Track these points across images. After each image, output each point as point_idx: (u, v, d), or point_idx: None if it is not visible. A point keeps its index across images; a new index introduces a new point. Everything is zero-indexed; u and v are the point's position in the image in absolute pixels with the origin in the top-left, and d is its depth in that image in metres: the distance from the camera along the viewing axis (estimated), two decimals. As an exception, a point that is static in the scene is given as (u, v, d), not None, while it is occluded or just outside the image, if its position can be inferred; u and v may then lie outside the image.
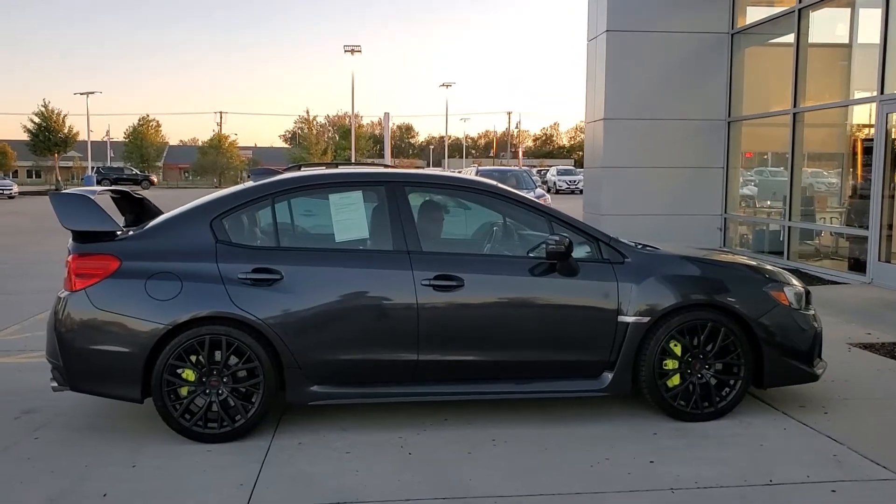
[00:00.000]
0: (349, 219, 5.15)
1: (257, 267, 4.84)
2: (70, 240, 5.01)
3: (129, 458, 4.60)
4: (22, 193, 47.08)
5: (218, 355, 4.80)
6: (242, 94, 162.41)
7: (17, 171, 76.85)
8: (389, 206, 5.15)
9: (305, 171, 5.70)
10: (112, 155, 79.11)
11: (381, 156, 63.44)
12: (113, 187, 5.72)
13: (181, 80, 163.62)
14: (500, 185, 5.75)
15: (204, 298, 4.78)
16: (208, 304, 4.78)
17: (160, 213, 5.88)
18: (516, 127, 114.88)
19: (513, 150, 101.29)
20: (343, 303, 4.90)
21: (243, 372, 4.83)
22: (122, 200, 5.76)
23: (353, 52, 39.72)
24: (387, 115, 44.65)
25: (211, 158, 76.20)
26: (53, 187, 55.18)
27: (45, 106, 57.37)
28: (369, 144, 76.10)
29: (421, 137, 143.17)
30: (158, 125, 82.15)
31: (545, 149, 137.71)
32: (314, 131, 68.84)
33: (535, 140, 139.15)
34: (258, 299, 4.80)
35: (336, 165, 11.48)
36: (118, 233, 4.96)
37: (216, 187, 70.93)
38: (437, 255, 5.11)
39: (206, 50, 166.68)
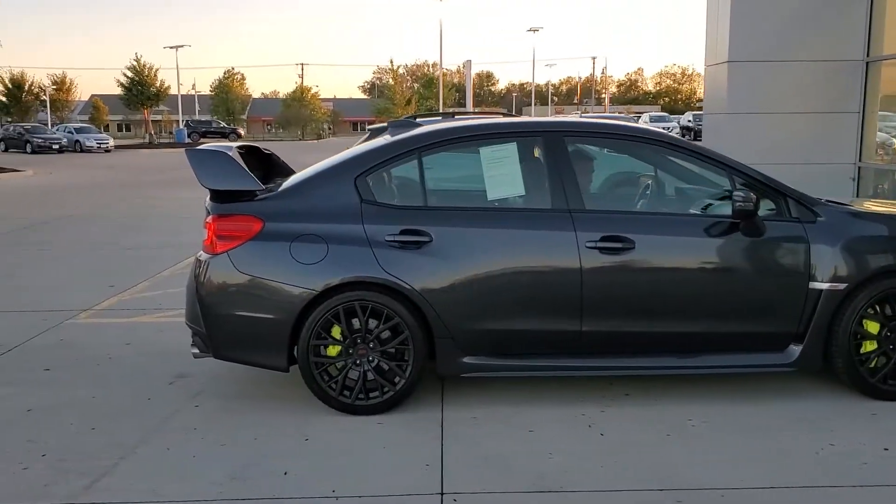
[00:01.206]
0: (502, 174, 4.64)
1: (405, 228, 4.42)
2: (207, 199, 4.69)
3: (299, 431, 4.30)
4: (116, 147, 48.14)
5: (360, 323, 4.44)
6: (320, 46, 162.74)
7: (107, 126, 78.81)
8: (547, 159, 4.64)
9: (451, 123, 5.19)
10: (199, 108, 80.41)
11: (462, 104, 62.68)
12: (242, 143, 5.39)
13: (261, 32, 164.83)
14: (674, 136, 5.17)
15: (351, 262, 4.40)
16: (356, 269, 4.39)
17: (289, 169, 5.52)
18: (602, 72, 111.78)
19: (597, 96, 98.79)
20: (497, 267, 4.44)
21: (392, 341, 4.45)
22: (250, 157, 5.41)
23: (441, -2, 38.74)
24: (468, 62, 43.71)
25: (295, 111, 76.56)
26: (147, 140, 56.33)
27: (138, 60, 58.27)
28: (452, 94, 75.03)
29: (501, 85, 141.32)
30: (243, 78, 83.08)
31: (629, 95, 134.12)
32: (398, 81, 68.03)
33: (619, 86, 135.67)
34: (406, 263, 4.39)
35: (453, 115, 11.03)
36: (257, 192, 4.59)
37: (299, 139, 71.55)
38: (602, 213, 4.59)
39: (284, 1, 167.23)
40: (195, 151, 4.68)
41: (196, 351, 4.69)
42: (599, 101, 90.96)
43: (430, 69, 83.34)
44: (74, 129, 46.86)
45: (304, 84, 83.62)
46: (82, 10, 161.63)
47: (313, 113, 78.50)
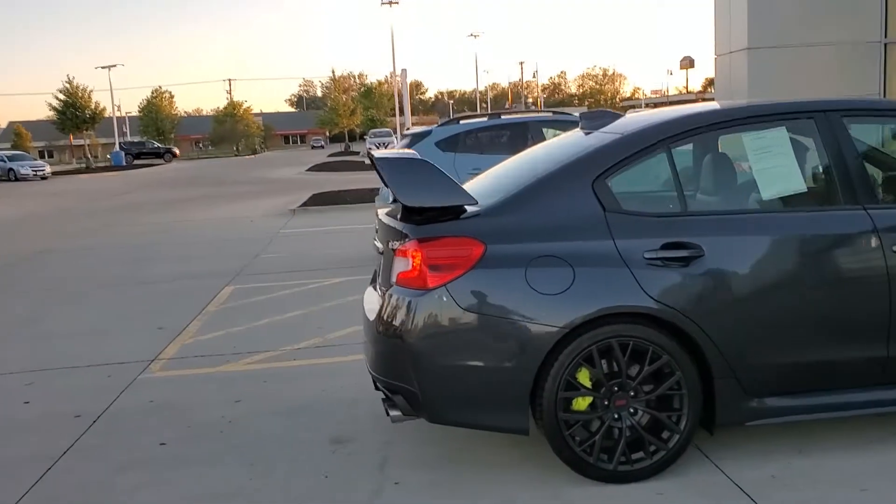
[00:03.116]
0: (775, 166, 3.76)
1: (668, 242, 3.49)
2: (396, 219, 3.73)
3: (561, 509, 3.34)
4: (52, 174, 45.41)
5: (619, 366, 3.50)
6: (244, 61, 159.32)
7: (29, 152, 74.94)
8: (826, 144, 3.77)
9: (698, 108, 4.25)
10: (125, 130, 77.31)
11: (394, 113, 61.45)
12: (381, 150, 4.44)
13: (183, 49, 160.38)
14: None
15: (607, 289, 3.46)
16: (614, 297, 3.45)
17: None
18: (534, 76, 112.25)
19: (528, 100, 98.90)
20: (786, 283, 3.57)
21: (659, 386, 3.51)
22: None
23: (391, 3, 37.77)
24: (404, 71, 42.82)
25: (229, 127, 74.29)
26: (84, 165, 53.22)
27: (70, 82, 55.12)
28: (388, 103, 73.75)
29: (430, 93, 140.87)
30: (171, 97, 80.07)
31: (555, 98, 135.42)
32: (341, 90, 66.58)
33: (543, 90, 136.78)
34: (674, 286, 3.47)
35: (499, 115, 10.13)
36: (466, 208, 3.62)
37: (235, 155, 69.38)
38: None
39: (205, 20, 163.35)
40: (389, 161, 3.70)
41: (397, 413, 3.66)
42: (534, 104, 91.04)
43: (357, 80, 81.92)
44: (7, 156, 43.96)
45: (235, 99, 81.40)
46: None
47: (247, 128, 76.40)
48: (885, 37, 13.54)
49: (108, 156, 61.13)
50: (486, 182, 4.10)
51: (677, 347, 3.47)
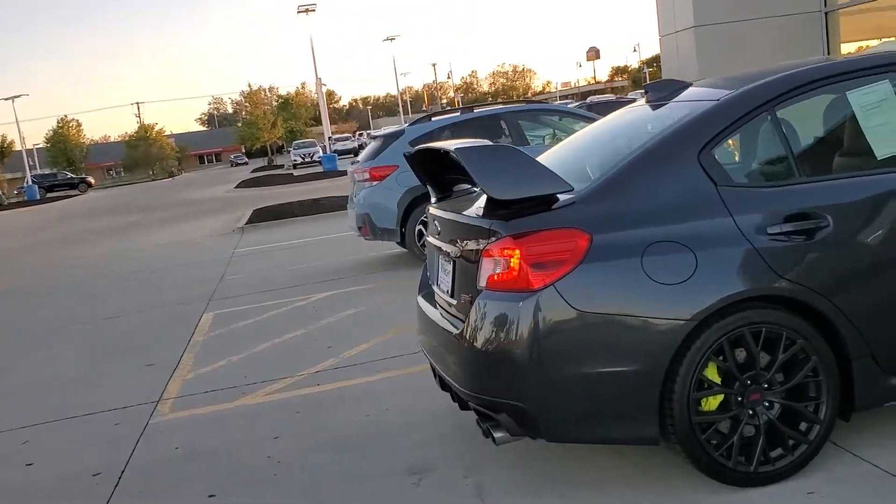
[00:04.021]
0: (887, 124, 3.49)
1: (791, 213, 3.17)
2: (472, 216, 3.33)
3: (711, 522, 2.98)
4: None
5: (752, 357, 3.16)
6: (148, 85, 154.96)
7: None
8: None
9: (793, 65, 3.90)
10: (33, 163, 73.93)
11: (314, 124, 60.39)
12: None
13: (85, 76, 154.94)
14: None
15: (734, 272, 3.10)
16: (745, 280, 3.11)
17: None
18: (448, 77, 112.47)
19: (442, 101, 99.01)
20: None
21: (795, 374, 3.19)
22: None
23: (307, 11, 36.93)
24: (319, 80, 42.27)
25: (142, 151, 71.84)
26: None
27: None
28: (309, 113, 72.44)
29: (344, 101, 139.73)
30: (79, 125, 76.92)
31: (469, 97, 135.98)
32: (255, 105, 65.06)
33: (456, 90, 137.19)
34: (803, 262, 3.15)
35: (472, 110, 9.75)
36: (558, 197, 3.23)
37: (152, 179, 67.12)
38: None
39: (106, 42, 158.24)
40: (472, 151, 3.29)
41: (503, 435, 3.24)
42: (443, 106, 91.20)
43: (268, 93, 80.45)
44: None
45: (146, 122, 78.88)
46: None
47: (161, 150, 74.07)
48: (825, 6, 13.74)
49: (18, 190, 58.24)
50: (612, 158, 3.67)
51: (812, 331, 3.15)
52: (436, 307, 3.89)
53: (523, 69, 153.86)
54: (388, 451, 4.04)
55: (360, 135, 60.23)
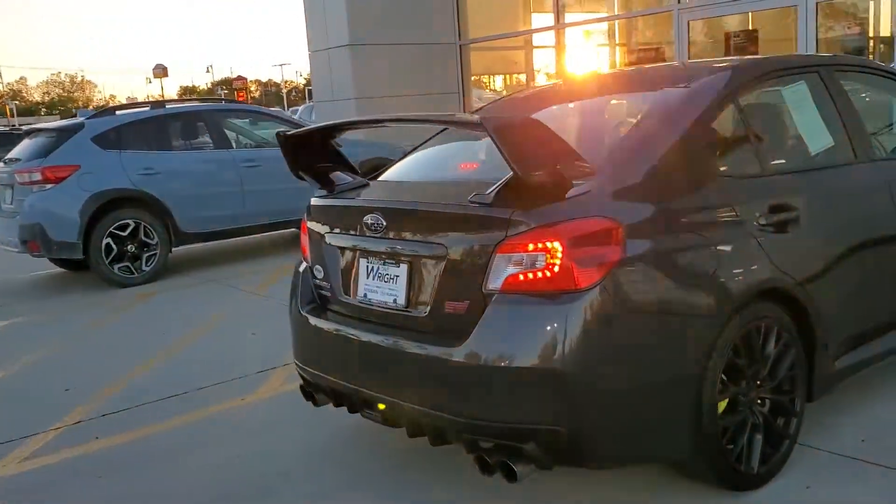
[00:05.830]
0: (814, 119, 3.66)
1: (774, 204, 3.16)
2: (476, 203, 2.77)
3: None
4: None
5: (757, 354, 3.10)
6: None
7: None
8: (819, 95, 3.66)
9: (758, 57, 3.85)
10: None
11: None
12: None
13: None
14: None
15: (748, 264, 3.02)
16: (758, 271, 3.03)
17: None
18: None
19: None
20: (861, 238, 3.50)
21: (781, 369, 3.17)
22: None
23: None
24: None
25: None
26: None
27: None
28: None
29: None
30: None
31: (20, 104, 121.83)
32: None
33: (1, 96, 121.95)
34: (784, 254, 3.12)
35: (163, 104, 8.51)
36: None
37: None
38: None
39: None
40: (505, 125, 2.71)
41: (527, 468, 2.67)
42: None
43: None
44: None
45: None
46: None
47: None
48: (459, 39, 14.85)
49: None
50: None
51: (792, 323, 3.17)
52: (351, 324, 3.13)
53: (82, 80, 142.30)
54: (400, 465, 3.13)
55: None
